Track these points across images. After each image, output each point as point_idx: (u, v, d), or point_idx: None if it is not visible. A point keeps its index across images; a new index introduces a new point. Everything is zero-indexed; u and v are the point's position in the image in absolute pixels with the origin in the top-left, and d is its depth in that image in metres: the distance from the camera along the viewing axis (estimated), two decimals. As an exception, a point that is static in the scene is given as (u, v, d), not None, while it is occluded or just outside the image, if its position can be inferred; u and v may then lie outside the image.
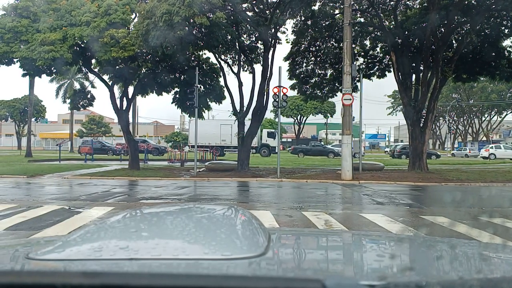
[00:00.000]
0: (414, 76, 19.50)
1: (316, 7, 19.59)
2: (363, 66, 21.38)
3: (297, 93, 23.96)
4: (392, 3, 19.12)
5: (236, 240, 1.22)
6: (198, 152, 21.29)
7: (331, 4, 19.84)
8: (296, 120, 62.17)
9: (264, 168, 20.71)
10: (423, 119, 18.84)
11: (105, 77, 19.72)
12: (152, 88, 20.43)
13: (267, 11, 18.08)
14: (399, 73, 18.87)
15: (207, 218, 1.53)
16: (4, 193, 11.60)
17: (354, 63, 17.20)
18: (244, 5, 17.54)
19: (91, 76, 30.70)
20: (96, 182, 14.95)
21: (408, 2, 19.84)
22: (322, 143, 48.02)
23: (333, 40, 20.91)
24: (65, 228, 6.47)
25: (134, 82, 20.18)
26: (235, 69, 19.52)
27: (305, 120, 62.69)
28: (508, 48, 19.61)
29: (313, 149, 38.94)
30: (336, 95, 22.70)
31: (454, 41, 19.43)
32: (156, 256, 1.05)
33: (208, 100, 20.76)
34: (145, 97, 21.79)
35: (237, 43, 18.70)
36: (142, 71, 19.17)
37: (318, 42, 21.05)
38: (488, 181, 15.39)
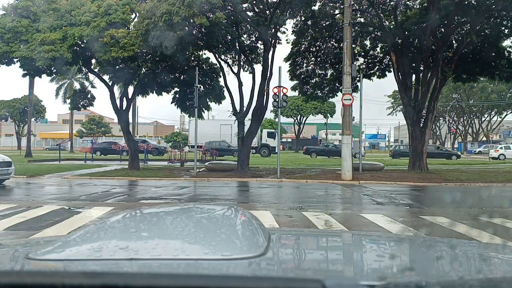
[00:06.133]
0: (414, 76, 19.51)
1: (316, 7, 19.60)
2: (363, 66, 21.38)
3: (298, 94, 23.97)
4: (392, 3, 19.12)
5: (236, 240, 1.22)
6: (197, 152, 21.30)
7: (331, 4, 19.85)
8: (296, 120, 62.15)
9: (264, 168, 20.70)
10: (423, 119, 18.84)
11: (105, 77, 19.72)
12: (152, 88, 20.43)
13: (267, 11, 18.09)
14: (399, 73, 18.87)
15: (207, 218, 1.53)
16: (3, 193, 11.60)
17: (354, 63, 17.20)
18: (244, 5, 17.55)
19: (91, 76, 30.74)
20: (96, 182, 14.95)
21: (408, 2, 19.84)
22: (336, 143, 47.59)
23: (333, 40, 20.91)
24: (65, 228, 6.47)
25: (134, 82, 20.18)
26: (235, 69, 19.54)
27: (305, 120, 62.69)
28: (508, 48, 19.61)
29: (326, 150, 38.54)
30: (336, 95, 22.70)
31: (454, 41, 19.43)
32: (156, 256, 1.05)
33: (208, 100, 20.76)
34: (145, 97, 21.81)
35: (237, 43, 18.70)
36: (142, 71, 19.17)
37: (318, 42, 21.05)
38: (488, 181, 15.39)
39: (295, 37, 20.62)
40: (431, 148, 39.80)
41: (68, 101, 31.43)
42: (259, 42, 19.26)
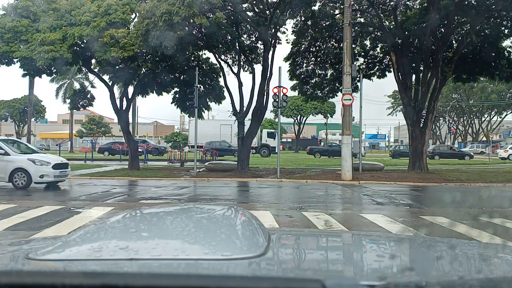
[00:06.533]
0: (414, 76, 19.51)
1: (316, 7, 19.60)
2: (363, 66, 21.38)
3: (298, 94, 23.97)
4: (392, 3, 19.12)
5: (236, 240, 1.22)
6: (197, 152, 21.30)
7: (331, 4, 19.84)
8: (296, 120, 62.09)
9: (264, 169, 20.70)
10: (423, 119, 18.84)
11: (105, 77, 19.72)
12: (152, 88, 20.43)
13: (267, 11, 18.08)
14: (399, 73, 18.87)
15: (207, 219, 1.53)
16: (3, 193, 11.60)
17: (354, 63, 17.20)
18: (244, 5, 17.55)
19: (91, 76, 30.79)
20: (96, 182, 14.95)
21: (408, 2, 19.84)
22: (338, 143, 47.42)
23: (333, 40, 20.90)
24: (65, 228, 6.47)
25: (134, 82, 20.18)
26: (235, 69, 19.54)
27: (305, 120, 62.63)
28: (508, 48, 19.61)
29: (330, 149, 38.27)
30: (336, 95, 22.69)
31: (454, 41, 19.43)
32: (156, 256, 1.05)
33: (208, 100, 20.76)
34: (145, 97, 21.80)
35: (237, 43, 18.70)
36: (142, 71, 19.17)
37: (318, 43, 21.04)
38: (488, 181, 15.39)
39: (295, 37, 20.62)
40: (443, 148, 39.42)
41: (68, 101, 31.44)
42: (259, 42, 19.26)
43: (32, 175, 12.43)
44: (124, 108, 19.85)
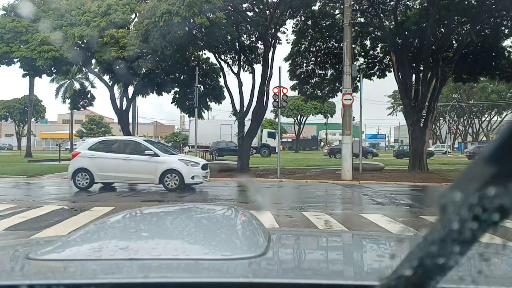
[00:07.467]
0: (414, 76, 19.51)
1: (316, 7, 19.60)
2: (364, 66, 21.37)
3: (298, 94, 23.98)
4: (392, 3, 19.12)
5: (236, 240, 1.22)
6: (198, 152, 21.31)
7: (331, 4, 19.85)
8: (296, 120, 62.10)
9: (264, 168, 20.68)
10: (423, 119, 18.84)
11: (105, 77, 19.74)
12: (152, 88, 20.45)
13: (267, 11, 18.08)
14: (399, 73, 18.86)
15: (207, 218, 1.53)
16: (4, 193, 11.60)
17: (355, 63, 17.20)
18: (244, 5, 17.55)
19: (91, 76, 30.73)
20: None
21: (408, 2, 19.84)
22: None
23: (333, 40, 20.90)
24: (65, 228, 6.47)
25: (134, 82, 20.19)
26: (235, 69, 19.53)
27: (305, 120, 62.65)
28: (508, 48, 19.61)
29: None
30: (336, 95, 22.68)
31: (454, 41, 19.42)
32: (156, 256, 1.05)
33: (208, 100, 20.77)
34: (145, 97, 21.87)
35: (237, 43, 18.70)
36: (142, 71, 19.18)
37: (318, 42, 21.04)
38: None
39: (295, 37, 20.61)
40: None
41: (68, 101, 31.43)
42: (259, 42, 19.25)
43: (185, 176, 11.98)
44: (124, 108, 19.87)
